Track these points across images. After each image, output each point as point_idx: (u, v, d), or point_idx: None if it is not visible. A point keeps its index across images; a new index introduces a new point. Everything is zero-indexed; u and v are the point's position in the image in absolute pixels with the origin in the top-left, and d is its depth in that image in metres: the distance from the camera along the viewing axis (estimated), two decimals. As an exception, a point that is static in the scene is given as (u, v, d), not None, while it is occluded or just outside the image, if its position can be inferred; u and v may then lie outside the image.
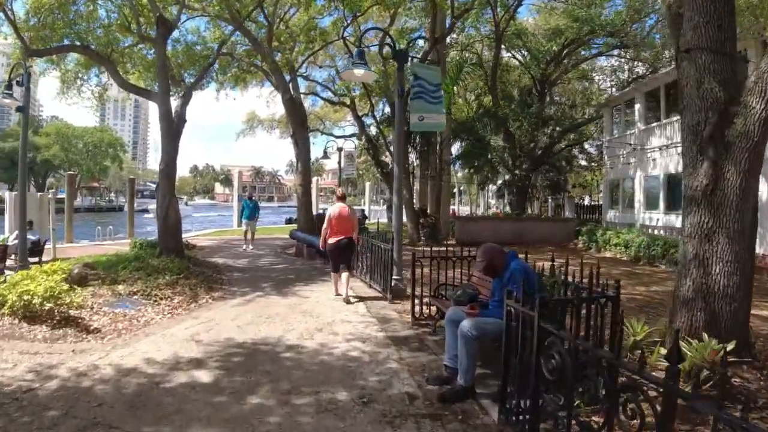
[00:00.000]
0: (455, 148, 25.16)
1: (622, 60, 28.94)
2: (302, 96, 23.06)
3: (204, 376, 4.95)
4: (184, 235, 21.61)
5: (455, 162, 22.62)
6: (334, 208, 9.17)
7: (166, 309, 7.86)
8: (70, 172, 25.51)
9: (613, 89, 29.37)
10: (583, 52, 27.70)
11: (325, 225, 9.11)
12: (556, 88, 29.81)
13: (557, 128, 25.55)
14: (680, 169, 17.73)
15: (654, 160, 19.00)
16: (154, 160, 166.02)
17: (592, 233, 19.60)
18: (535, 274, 4.72)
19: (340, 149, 22.11)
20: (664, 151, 18.50)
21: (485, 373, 4.86)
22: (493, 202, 60.17)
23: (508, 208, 36.24)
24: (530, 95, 26.62)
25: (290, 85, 17.96)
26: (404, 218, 31.65)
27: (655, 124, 19.34)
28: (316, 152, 24.86)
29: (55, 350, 5.72)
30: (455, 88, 19.99)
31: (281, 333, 6.54)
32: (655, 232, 18.09)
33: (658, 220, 18.32)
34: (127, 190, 22.99)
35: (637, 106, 20.38)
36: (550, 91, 28.18)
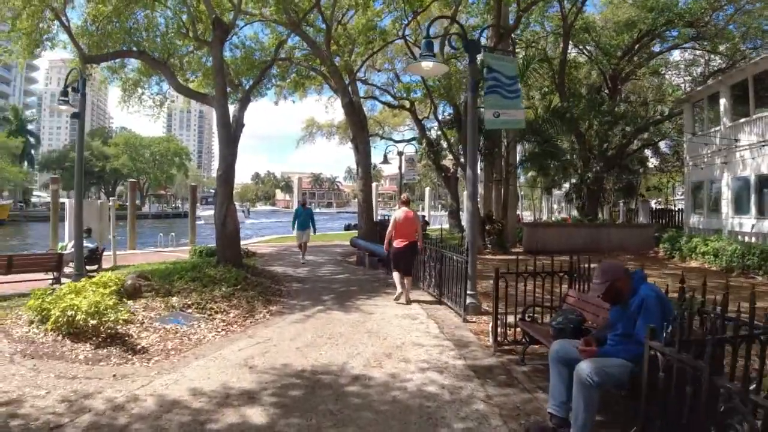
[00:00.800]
0: (519, 151, 23.92)
1: (698, 53, 26.97)
2: (361, 100, 22.52)
3: (256, 415, 4.21)
4: (244, 242, 21.46)
5: (522, 165, 21.36)
6: (399, 213, 9.39)
7: (220, 325, 7.23)
8: (131, 179, 25.82)
9: (687, 85, 27.46)
10: (654, 48, 25.97)
11: (390, 228, 9.38)
12: (627, 85, 28.03)
13: (628, 127, 23.97)
14: (775, 169, 16.13)
15: (743, 159, 17.23)
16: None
17: (674, 240, 18.03)
18: (670, 303, 3.70)
19: (400, 153, 21.35)
20: (755, 150, 16.73)
21: (598, 420, 3.88)
22: (555, 207, 58.15)
23: (574, 213, 34.63)
24: (599, 93, 25.11)
25: (349, 88, 17.36)
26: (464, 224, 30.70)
27: (743, 120, 17.57)
28: (375, 157, 24.24)
29: (95, 374, 5.14)
30: (521, 87, 18.89)
31: (345, 358, 5.74)
32: (746, 239, 16.36)
33: (752, 226, 16.53)
34: (189, 197, 23.01)
35: (722, 101, 18.59)
36: (621, 88, 26.49)
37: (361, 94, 27.92)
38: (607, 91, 24.79)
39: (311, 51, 16.84)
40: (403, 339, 6.60)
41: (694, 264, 16.18)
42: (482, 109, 8.22)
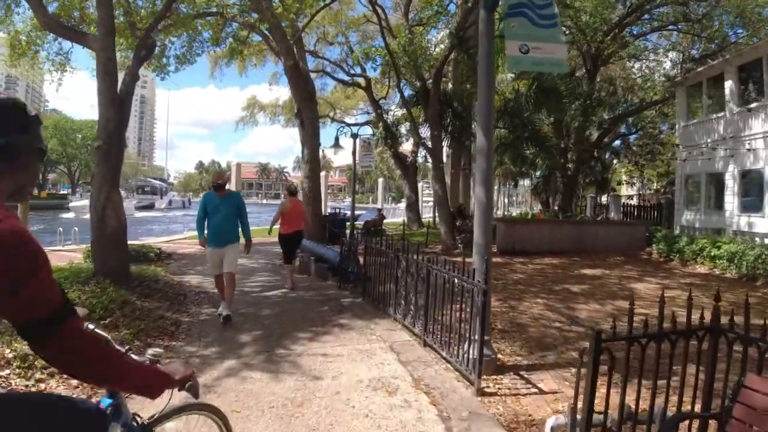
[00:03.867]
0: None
1: (682, 36, 24.70)
2: (311, 75, 19.12)
3: None
4: (168, 239, 17.62)
5: (496, 152, 18.36)
6: (286, 202, 9.83)
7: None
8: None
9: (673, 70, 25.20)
10: (637, 29, 23.50)
11: (276, 216, 9.91)
12: (607, 69, 25.47)
13: (606, 114, 21.49)
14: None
15: (755, 150, 14.79)
16: (160, 157, 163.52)
17: (671, 241, 15.51)
18: None
19: (355, 136, 18.11)
20: (768, 140, 14.33)
21: None
22: (515, 200, 56.28)
23: (539, 207, 32.22)
24: (572, 77, 22.40)
25: (294, 49, 13.93)
26: (423, 216, 27.57)
27: (755, 104, 15.13)
28: (324, 140, 20.75)
29: None
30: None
31: None
32: (756, 240, 13.95)
33: None
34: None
35: (727, 84, 16.11)
36: (600, 71, 23.89)
37: (310, 66, 24.54)
38: (585, 72, 22.10)
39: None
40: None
41: (701, 269, 13.72)
42: (506, 41, 5.00)
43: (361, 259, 8.83)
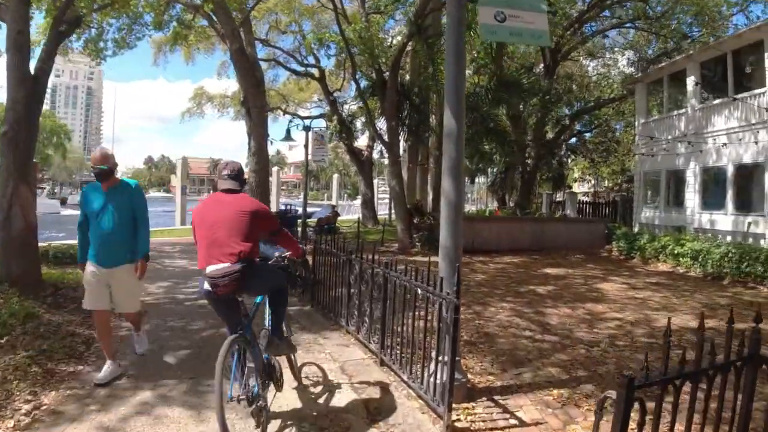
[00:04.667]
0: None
1: (638, 35, 24.65)
2: (263, 66, 18.03)
3: None
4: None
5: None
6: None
7: None
8: None
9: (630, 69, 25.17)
10: (590, 27, 23.27)
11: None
12: (564, 66, 25.22)
13: (567, 109, 21.18)
14: (761, 158, 13.52)
15: (717, 147, 14.58)
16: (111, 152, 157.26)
17: (631, 238, 15.25)
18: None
19: (307, 128, 17.15)
20: (733, 136, 14.12)
21: None
22: (471, 197, 56.08)
23: (495, 205, 31.90)
24: (529, 72, 21.93)
25: (242, 32, 12.89)
26: (378, 213, 26.75)
27: (718, 101, 14.95)
28: (277, 135, 19.60)
29: None
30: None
31: None
32: (719, 237, 13.74)
33: (748, 224, 13.74)
34: None
35: (689, 80, 15.87)
36: (559, 68, 23.59)
37: (261, 55, 23.42)
38: (544, 67, 21.73)
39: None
40: None
41: (663, 267, 13.48)
42: (479, 6, 4.22)
43: (311, 260, 7.95)
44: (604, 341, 6.11)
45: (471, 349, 5.66)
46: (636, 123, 19.62)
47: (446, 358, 3.77)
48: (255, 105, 12.29)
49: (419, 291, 4.25)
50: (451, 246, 4.32)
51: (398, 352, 4.64)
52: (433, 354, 4.01)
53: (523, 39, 4.81)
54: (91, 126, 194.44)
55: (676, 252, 13.22)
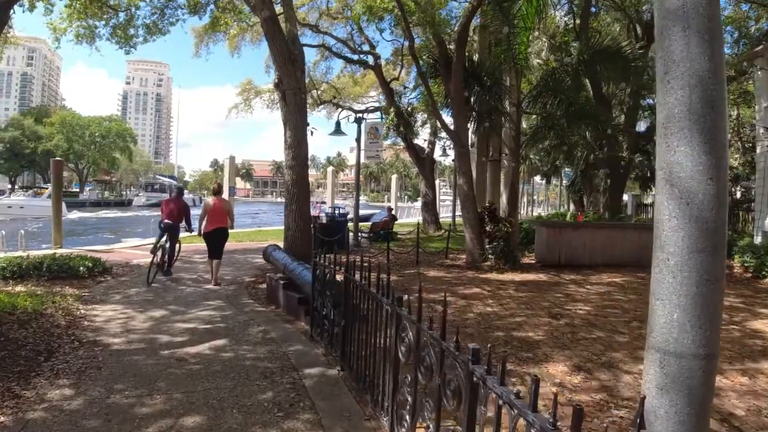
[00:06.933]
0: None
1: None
2: (313, 53, 15.73)
3: None
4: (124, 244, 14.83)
5: (533, 137, 14.57)
6: (209, 200, 9.78)
7: None
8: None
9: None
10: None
11: (201, 213, 9.66)
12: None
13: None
14: None
15: None
16: (179, 155, 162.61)
17: (761, 252, 11.83)
18: None
19: (358, 120, 14.72)
20: None
21: None
22: (537, 199, 52.29)
23: (571, 207, 28.44)
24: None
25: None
26: (438, 217, 23.96)
27: None
28: (325, 127, 17.17)
29: None
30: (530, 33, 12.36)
31: None
32: None
33: None
34: (52, 178, 15.44)
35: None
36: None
37: (312, 42, 21.27)
38: (637, 44, 18.36)
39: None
40: None
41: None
42: None
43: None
44: None
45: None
46: (757, 107, 15.98)
47: None
48: (290, 87, 9.86)
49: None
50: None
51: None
52: None
53: None
54: (160, 131, 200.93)
55: None
